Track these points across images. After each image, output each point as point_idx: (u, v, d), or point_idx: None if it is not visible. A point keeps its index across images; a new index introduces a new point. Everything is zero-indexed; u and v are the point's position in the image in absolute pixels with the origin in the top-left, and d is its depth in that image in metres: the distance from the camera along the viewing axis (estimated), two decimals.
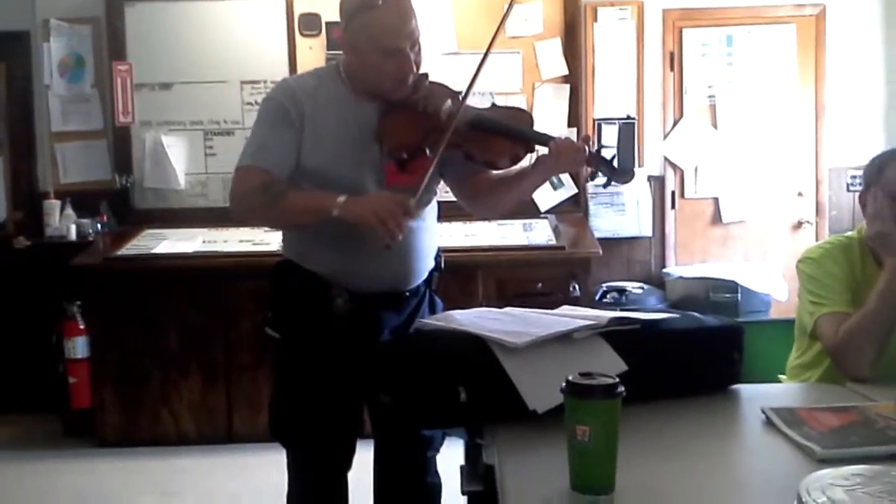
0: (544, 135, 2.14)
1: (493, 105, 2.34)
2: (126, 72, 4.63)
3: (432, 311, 2.29)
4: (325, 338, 2.16)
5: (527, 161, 2.18)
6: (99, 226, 4.53)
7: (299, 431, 2.21)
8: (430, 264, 2.27)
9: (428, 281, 2.28)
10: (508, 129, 2.15)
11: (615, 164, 2.09)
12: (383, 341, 2.14)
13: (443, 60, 4.47)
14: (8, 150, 4.82)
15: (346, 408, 2.20)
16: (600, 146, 2.13)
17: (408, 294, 2.22)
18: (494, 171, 2.20)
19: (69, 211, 4.58)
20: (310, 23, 4.61)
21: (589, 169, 2.09)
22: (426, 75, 2.15)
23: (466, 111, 2.13)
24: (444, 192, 2.30)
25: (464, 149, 2.12)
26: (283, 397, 2.25)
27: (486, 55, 2.14)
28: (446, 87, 2.21)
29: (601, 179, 2.15)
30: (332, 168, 2.10)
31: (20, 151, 4.81)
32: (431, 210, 2.26)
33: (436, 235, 2.30)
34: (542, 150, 2.13)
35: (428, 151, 2.06)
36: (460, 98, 2.14)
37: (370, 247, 2.02)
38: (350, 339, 2.14)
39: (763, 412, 1.67)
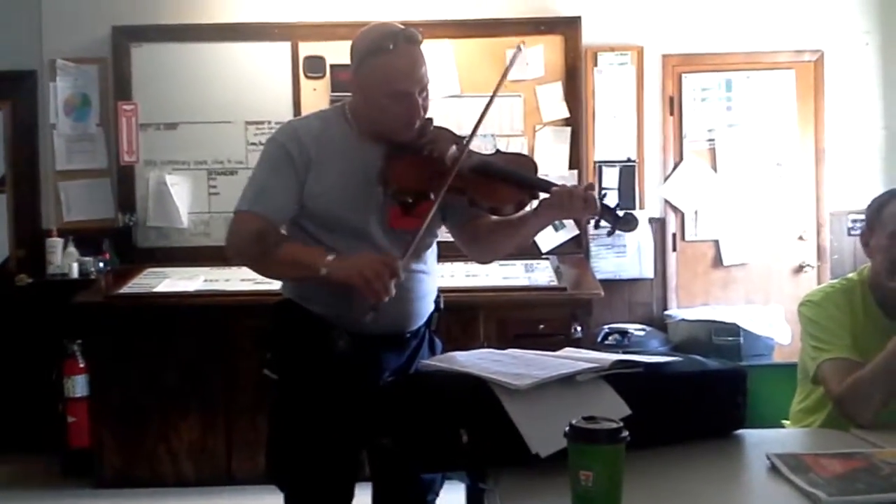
0: (549, 182, 2.15)
1: (498, 151, 2.35)
2: (131, 111, 4.68)
3: (432, 351, 2.28)
4: (325, 379, 2.15)
5: (529, 207, 2.19)
6: (101, 264, 4.54)
7: (296, 475, 2.18)
8: (431, 306, 2.27)
9: (428, 322, 2.28)
10: (513, 176, 2.16)
11: (619, 212, 2.09)
12: (384, 383, 2.13)
13: (446, 103, 4.53)
14: (12, 187, 4.85)
15: (344, 451, 2.18)
16: (602, 194, 2.14)
17: (408, 335, 2.22)
18: (496, 217, 2.21)
19: (72, 249, 4.59)
20: (314, 65, 4.66)
21: (594, 217, 2.09)
22: (431, 120, 2.17)
23: (471, 157, 2.15)
24: (444, 234, 2.31)
25: (468, 194, 2.12)
26: (280, 440, 2.23)
27: (491, 99, 2.17)
28: (451, 133, 2.22)
29: (605, 226, 2.15)
30: (336, 210, 2.11)
31: (24, 189, 4.84)
32: (432, 253, 2.27)
33: (436, 277, 2.31)
34: (545, 195, 2.14)
35: (432, 195, 2.06)
36: (464, 143, 2.15)
37: (357, 309, 2.03)
38: (350, 381, 2.13)
39: (768, 458, 1.66)
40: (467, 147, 2.13)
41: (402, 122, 2.09)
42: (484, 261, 2.42)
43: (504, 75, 2.22)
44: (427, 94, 2.11)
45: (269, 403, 2.27)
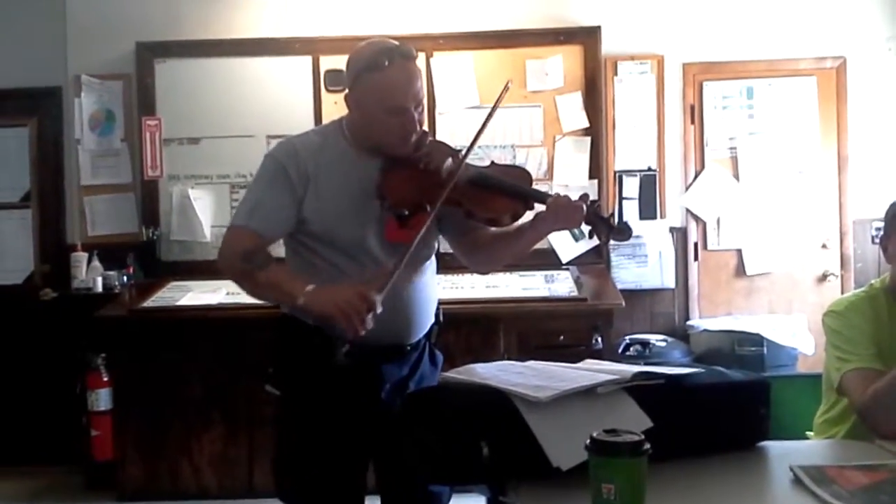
0: (543, 193, 2.19)
1: (493, 163, 2.36)
2: (155, 127, 4.73)
3: (433, 364, 2.30)
4: (326, 392, 2.16)
5: (526, 218, 2.20)
6: (125, 278, 4.58)
7: (303, 489, 2.19)
8: (431, 318, 2.28)
9: (428, 334, 2.28)
10: (508, 187, 2.18)
11: (613, 222, 2.12)
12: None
13: (465, 114, 4.55)
14: (37, 202, 4.91)
15: (349, 463, 2.19)
16: (597, 203, 2.16)
17: (409, 348, 2.22)
18: (493, 228, 2.22)
19: (96, 263, 4.63)
20: (335, 79, 4.69)
21: (587, 227, 2.12)
22: (427, 133, 2.20)
23: (467, 169, 2.17)
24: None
25: (464, 206, 2.15)
26: (285, 454, 2.24)
27: (485, 122, 2.19)
28: (447, 146, 2.26)
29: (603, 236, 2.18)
30: (334, 224, 2.12)
31: (49, 204, 4.90)
32: (431, 265, 2.28)
33: (436, 289, 2.32)
34: (540, 207, 2.16)
35: (429, 208, 2.09)
36: (461, 156, 2.18)
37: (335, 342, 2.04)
38: (351, 394, 2.15)
39: (792, 470, 1.65)
40: (464, 159, 2.15)
41: (398, 137, 2.12)
42: (482, 271, 2.44)
43: (493, 109, 2.22)
44: (422, 108, 2.15)
45: (273, 419, 2.29)
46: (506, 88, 2.23)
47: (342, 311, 1.92)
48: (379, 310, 1.94)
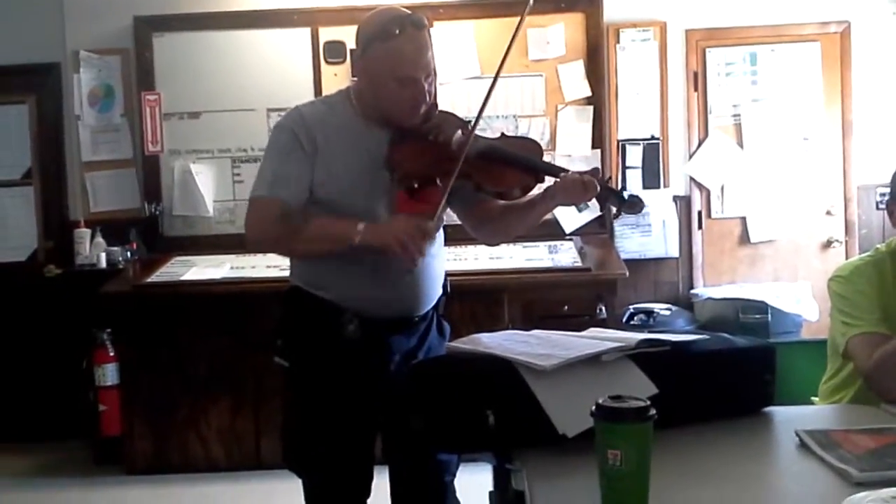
0: (554, 166, 2.16)
1: (503, 135, 2.35)
2: (155, 101, 4.70)
3: (441, 334, 2.30)
4: (334, 364, 2.16)
5: (536, 191, 2.19)
6: (129, 253, 4.59)
7: (313, 460, 2.20)
8: (439, 290, 2.28)
9: (436, 305, 2.29)
10: (519, 160, 2.16)
11: (625, 195, 2.11)
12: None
13: (466, 85, 4.51)
14: (39, 180, 4.90)
15: (358, 434, 2.20)
16: (608, 178, 2.14)
17: (417, 319, 2.23)
18: (502, 201, 2.21)
19: (99, 239, 4.64)
20: (335, 51, 4.66)
21: (599, 201, 2.11)
22: (436, 105, 2.18)
23: (477, 141, 2.15)
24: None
25: (474, 179, 2.13)
26: (294, 426, 2.25)
27: (496, 77, 2.16)
28: (457, 117, 2.24)
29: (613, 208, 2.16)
30: (343, 195, 2.11)
31: (51, 181, 4.89)
32: (439, 237, 2.27)
33: (444, 261, 2.32)
34: (551, 180, 2.14)
35: (438, 181, 2.07)
36: (470, 127, 2.15)
37: (387, 273, 2.06)
38: (360, 365, 2.15)
39: (797, 435, 1.65)
40: (473, 131, 2.13)
41: (407, 108, 2.10)
42: (491, 243, 2.44)
43: (517, 31, 2.17)
44: (433, 79, 2.11)
45: (282, 390, 2.29)
46: (527, 4, 2.17)
47: (400, 241, 1.96)
48: (435, 236, 1.98)
